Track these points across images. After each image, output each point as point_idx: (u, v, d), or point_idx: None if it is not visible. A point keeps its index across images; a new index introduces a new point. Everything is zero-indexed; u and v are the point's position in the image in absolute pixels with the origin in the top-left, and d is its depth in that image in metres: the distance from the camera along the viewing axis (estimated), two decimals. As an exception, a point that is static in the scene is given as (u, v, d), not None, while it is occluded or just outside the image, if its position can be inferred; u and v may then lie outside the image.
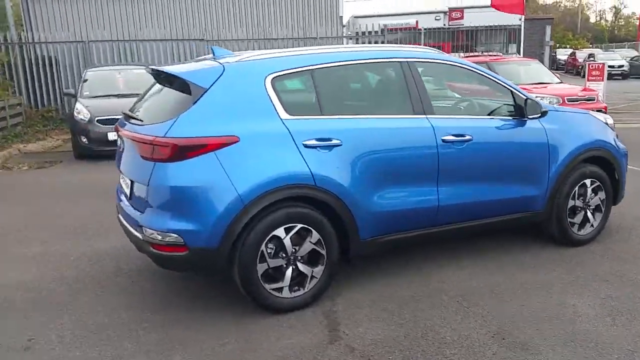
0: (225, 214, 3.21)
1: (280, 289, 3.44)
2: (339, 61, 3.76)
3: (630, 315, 3.39)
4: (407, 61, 3.94)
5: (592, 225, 4.60)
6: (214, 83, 3.33)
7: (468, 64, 4.32)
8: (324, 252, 3.51)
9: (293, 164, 3.38)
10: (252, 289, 3.37)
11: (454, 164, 3.92)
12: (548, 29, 14.54)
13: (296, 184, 3.38)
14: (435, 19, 26.01)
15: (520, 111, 4.21)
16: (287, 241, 3.40)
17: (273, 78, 3.48)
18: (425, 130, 3.84)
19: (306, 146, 3.42)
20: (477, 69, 4.28)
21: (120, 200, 3.88)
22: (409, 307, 3.55)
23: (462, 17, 28.50)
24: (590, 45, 43.08)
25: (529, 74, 10.50)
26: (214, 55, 3.82)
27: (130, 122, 3.67)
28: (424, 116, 3.87)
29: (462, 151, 3.92)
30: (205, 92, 3.30)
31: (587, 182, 4.51)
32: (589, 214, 4.58)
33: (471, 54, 14.38)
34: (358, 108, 3.88)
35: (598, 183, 4.56)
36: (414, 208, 3.83)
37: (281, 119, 3.42)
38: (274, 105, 3.43)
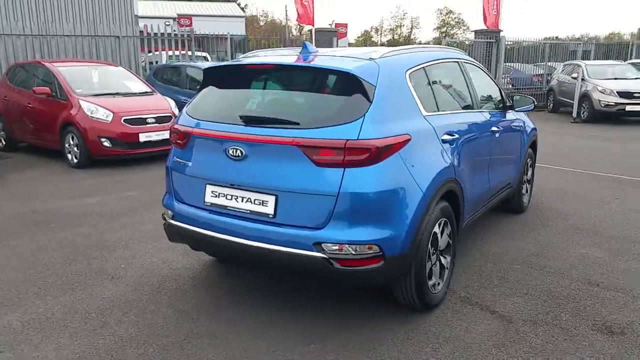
0: (416, 215, 3.10)
1: (434, 285, 3.45)
2: (437, 59, 3.95)
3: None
4: (461, 60, 4.34)
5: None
6: (378, 80, 3.12)
7: (479, 64, 4.92)
8: (452, 242, 3.65)
9: (445, 159, 3.48)
10: (422, 290, 3.31)
11: (494, 151, 4.51)
12: (335, 40, 16.33)
13: (450, 178, 3.49)
14: (165, 24, 25.96)
15: (506, 104, 5.03)
16: (440, 236, 3.44)
17: (410, 74, 3.45)
18: (485, 122, 4.33)
19: (443, 141, 3.51)
20: (483, 68, 4.93)
21: (220, 216, 3.23)
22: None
23: (190, 25, 29.04)
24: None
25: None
26: (306, 49, 3.51)
27: (261, 126, 3.10)
28: (479, 110, 4.34)
29: (497, 139, 4.54)
30: (376, 89, 3.07)
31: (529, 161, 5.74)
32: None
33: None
34: (453, 104, 4.09)
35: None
36: (481, 192, 4.27)
37: (423, 115, 3.43)
38: (416, 101, 3.42)
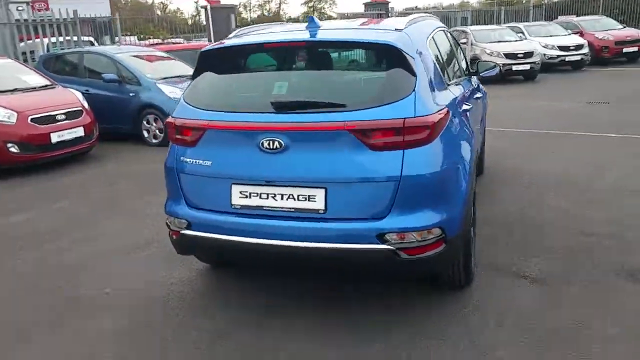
0: (467, 190, 2.98)
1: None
2: (435, 28, 3.80)
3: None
4: (445, 29, 4.26)
5: None
6: (414, 52, 2.91)
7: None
8: (474, 211, 3.60)
9: (469, 130, 3.40)
10: (469, 266, 3.24)
11: (477, 117, 4.51)
12: (232, 17, 15.41)
13: (475, 149, 3.38)
14: (18, 10, 23.36)
15: (470, 70, 5.05)
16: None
17: (428, 44, 3.28)
18: (472, 90, 4.31)
19: (463, 111, 3.42)
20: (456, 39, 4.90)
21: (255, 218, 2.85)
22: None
23: (47, 9, 26.33)
24: (170, 36, 45.58)
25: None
26: (314, 23, 3.18)
27: (300, 112, 2.74)
28: (467, 78, 4.32)
29: (477, 105, 4.56)
30: (415, 61, 2.85)
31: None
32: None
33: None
34: (454, 73, 3.96)
35: None
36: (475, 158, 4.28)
37: (447, 85, 3.28)
38: (440, 72, 3.25)
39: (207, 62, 3.21)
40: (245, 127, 2.82)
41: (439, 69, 3.25)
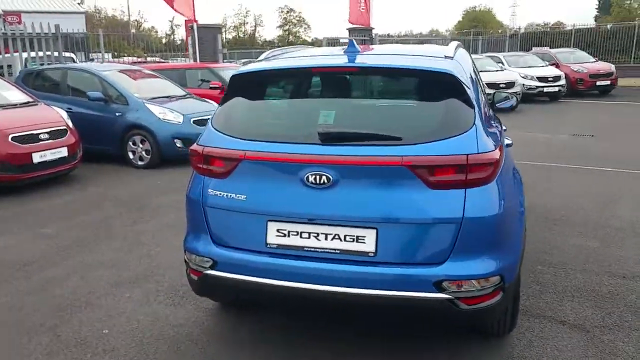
0: (523, 236, 2.77)
1: None
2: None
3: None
4: None
5: None
6: (468, 82, 2.72)
7: None
8: None
9: (513, 165, 3.21)
10: (515, 316, 3.02)
11: None
12: (219, 37, 15.11)
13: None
14: None
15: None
16: None
17: (474, 72, 3.11)
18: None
19: (506, 145, 3.25)
20: None
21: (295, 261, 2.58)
22: None
23: (20, 22, 25.78)
24: (145, 54, 45.17)
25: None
26: (354, 47, 2.97)
27: (350, 145, 2.50)
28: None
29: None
30: (470, 91, 2.66)
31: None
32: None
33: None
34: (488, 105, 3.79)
35: None
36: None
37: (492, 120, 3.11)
38: (485, 103, 3.07)
39: (240, 86, 2.96)
40: (288, 159, 2.56)
41: (485, 101, 3.07)
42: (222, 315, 3.51)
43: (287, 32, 68.63)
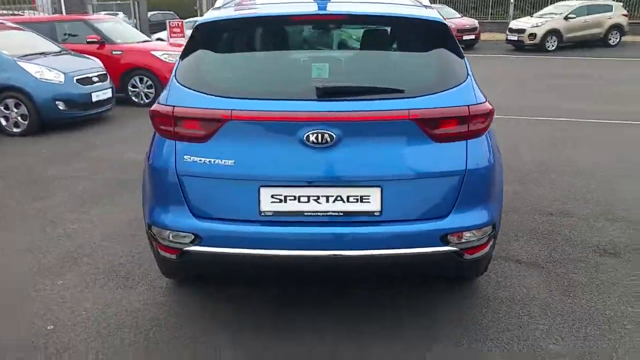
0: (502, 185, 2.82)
1: None
2: None
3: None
4: None
5: None
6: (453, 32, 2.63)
7: None
8: None
9: None
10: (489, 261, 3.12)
11: None
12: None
13: None
14: None
15: None
16: None
17: None
18: None
19: None
20: None
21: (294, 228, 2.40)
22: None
23: None
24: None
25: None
26: None
27: (352, 99, 2.31)
28: None
29: None
30: (456, 42, 2.59)
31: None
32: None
33: None
34: None
35: None
36: None
37: None
38: None
39: (211, 36, 2.59)
40: (285, 117, 2.30)
41: None
42: (182, 294, 3.19)
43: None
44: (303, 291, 3.13)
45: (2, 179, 5.46)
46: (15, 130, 7.23)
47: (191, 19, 15.94)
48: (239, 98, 2.36)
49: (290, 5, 2.71)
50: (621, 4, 19.30)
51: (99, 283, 3.32)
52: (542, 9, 20.90)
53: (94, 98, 7.62)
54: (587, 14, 18.22)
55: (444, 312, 2.93)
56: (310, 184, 2.36)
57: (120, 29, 10.42)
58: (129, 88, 9.52)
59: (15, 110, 7.15)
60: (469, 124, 2.37)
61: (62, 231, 4.13)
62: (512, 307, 2.98)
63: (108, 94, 7.97)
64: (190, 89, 2.45)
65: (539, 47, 17.93)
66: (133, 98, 9.58)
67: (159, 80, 9.44)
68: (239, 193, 2.40)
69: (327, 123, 2.28)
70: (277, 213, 2.39)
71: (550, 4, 20.95)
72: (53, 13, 13.58)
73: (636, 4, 21.65)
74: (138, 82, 9.54)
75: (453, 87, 2.40)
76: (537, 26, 18.01)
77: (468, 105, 2.37)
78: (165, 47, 10.29)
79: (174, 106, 2.42)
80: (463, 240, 2.44)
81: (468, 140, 2.40)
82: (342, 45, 2.67)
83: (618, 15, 18.41)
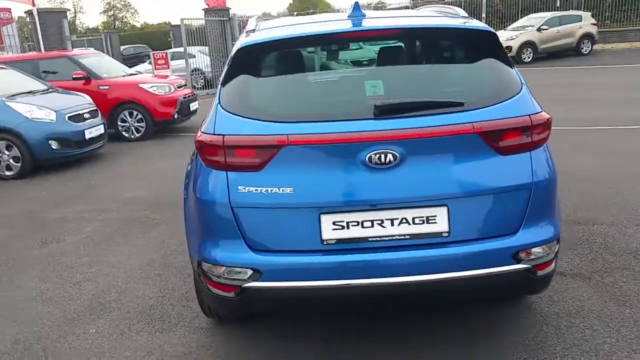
0: None
1: None
2: None
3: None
4: None
5: None
6: None
7: None
8: None
9: None
10: None
11: None
12: (65, 22, 12.85)
13: None
14: None
15: None
16: None
17: None
18: None
19: None
20: None
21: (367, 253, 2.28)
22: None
23: None
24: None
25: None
26: (359, 11, 2.68)
27: (412, 116, 2.23)
28: None
29: None
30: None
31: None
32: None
33: None
34: None
35: None
36: None
37: None
38: None
39: (255, 60, 2.50)
40: (345, 139, 2.20)
41: None
42: (226, 333, 3.03)
43: (112, 18, 63.79)
44: (351, 326, 3.00)
45: (6, 224, 5.23)
46: (7, 173, 6.99)
47: (173, 50, 15.84)
48: (294, 122, 2.27)
49: (331, 24, 2.64)
50: (590, 13, 19.89)
51: (134, 328, 3.14)
52: (511, 22, 21.38)
53: (87, 135, 7.43)
54: (560, 25, 18.70)
55: (505, 333, 2.83)
56: (373, 207, 2.26)
57: (105, 63, 10.28)
58: (119, 123, 9.35)
59: (7, 152, 6.92)
60: (532, 134, 2.31)
61: (81, 276, 3.94)
62: (572, 322, 2.90)
63: (100, 130, 7.79)
64: (239, 115, 2.34)
65: (515, 60, 18.27)
66: (124, 133, 9.40)
67: (149, 113, 9.33)
68: (298, 222, 2.29)
69: (389, 142, 2.19)
70: (340, 241, 2.28)
71: (521, 17, 21.45)
72: (22, 52, 13.38)
73: (602, 14, 22.29)
74: (128, 117, 9.38)
75: (511, 97, 2.35)
76: (512, 39, 18.39)
77: (529, 115, 2.31)
78: (152, 80, 10.18)
79: (223, 135, 2.31)
80: (533, 257, 2.35)
81: (532, 152, 2.33)
82: (388, 61, 2.58)
83: (588, 24, 18.95)
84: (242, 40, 2.55)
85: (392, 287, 2.28)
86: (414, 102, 2.29)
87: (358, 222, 2.27)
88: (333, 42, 2.56)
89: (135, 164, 7.69)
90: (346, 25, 2.58)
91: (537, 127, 2.32)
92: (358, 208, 2.26)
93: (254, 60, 2.51)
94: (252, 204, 2.29)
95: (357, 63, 2.61)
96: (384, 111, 2.23)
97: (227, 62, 2.55)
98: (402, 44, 2.58)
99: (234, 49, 2.55)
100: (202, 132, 2.40)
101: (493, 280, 2.32)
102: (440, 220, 2.27)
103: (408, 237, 2.27)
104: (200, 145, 2.39)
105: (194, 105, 10.05)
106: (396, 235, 2.27)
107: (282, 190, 2.25)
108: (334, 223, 2.27)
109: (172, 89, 9.58)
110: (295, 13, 24.99)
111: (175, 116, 9.51)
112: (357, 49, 2.74)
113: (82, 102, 7.80)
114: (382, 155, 2.19)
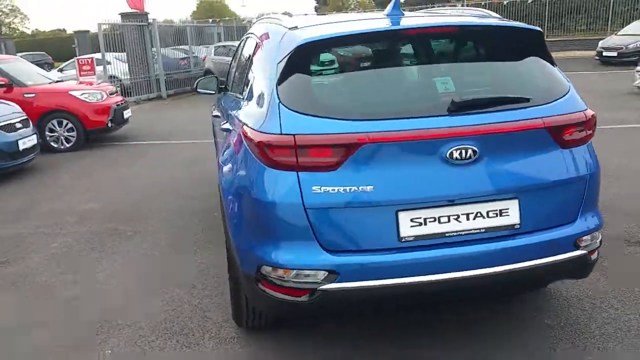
0: None
1: None
2: None
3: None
4: None
5: None
6: None
7: None
8: None
9: None
10: None
11: None
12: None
13: None
14: None
15: None
16: None
17: None
18: None
19: None
20: None
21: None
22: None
23: None
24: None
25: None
26: (398, 9, 2.71)
27: (485, 112, 2.27)
28: None
29: None
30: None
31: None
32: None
33: None
34: None
35: None
36: None
37: None
38: None
39: (316, 56, 2.43)
40: (427, 135, 2.19)
41: None
42: (260, 340, 2.88)
43: (-1, 24, 59.09)
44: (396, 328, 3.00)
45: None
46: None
47: (81, 58, 14.75)
48: (371, 119, 2.22)
49: (384, 21, 2.64)
50: None
51: (156, 345, 2.91)
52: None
53: (21, 146, 6.79)
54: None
55: (538, 319, 2.95)
56: (451, 202, 2.27)
57: (27, 70, 9.46)
58: (47, 133, 8.62)
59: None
60: (585, 129, 2.45)
61: (67, 294, 3.58)
62: (594, 303, 3.07)
63: (34, 140, 7.15)
64: (307, 114, 2.25)
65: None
66: (52, 144, 8.69)
67: (81, 122, 8.73)
68: (375, 220, 2.24)
69: (468, 138, 2.22)
70: (418, 237, 2.26)
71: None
72: None
73: None
74: (57, 126, 8.68)
75: (565, 94, 2.46)
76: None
77: (583, 111, 2.45)
78: (83, 87, 9.47)
79: (294, 134, 2.22)
80: (586, 244, 2.48)
81: (587, 145, 2.47)
82: (449, 58, 2.62)
83: None
84: (298, 37, 2.45)
85: (467, 281, 2.29)
86: (489, 98, 2.35)
87: (435, 218, 2.26)
88: (397, 39, 2.55)
89: (76, 175, 7.13)
90: (409, 22, 2.59)
91: (589, 122, 2.46)
92: (436, 204, 2.25)
93: (317, 56, 2.44)
94: (328, 204, 2.21)
95: (413, 60, 2.62)
96: (461, 107, 2.26)
97: (279, 59, 2.45)
98: (459, 42, 2.62)
99: (288, 45, 2.44)
100: (262, 132, 2.29)
101: (556, 267, 2.41)
102: (512, 213, 2.33)
103: (483, 230, 2.30)
104: (263, 146, 2.27)
105: (127, 113, 9.53)
106: (472, 229, 2.29)
107: (360, 188, 2.20)
108: (411, 220, 2.25)
109: (105, 96, 9.02)
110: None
111: (109, 124, 8.96)
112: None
113: (11, 110, 7.11)
114: (463, 151, 2.21)
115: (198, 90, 4.61)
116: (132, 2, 15.29)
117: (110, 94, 9.26)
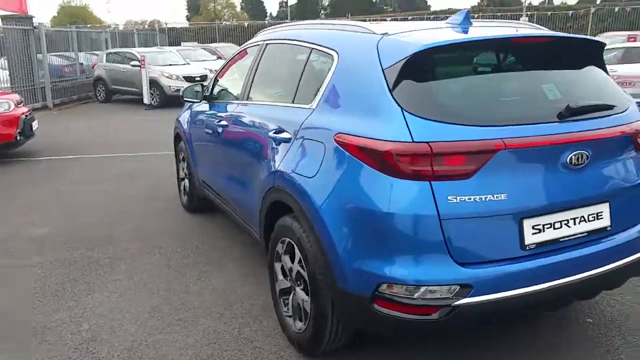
0: None
1: None
2: None
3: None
4: None
5: None
6: None
7: None
8: None
9: None
10: None
11: None
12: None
13: None
14: None
15: None
16: None
17: None
18: None
19: None
20: None
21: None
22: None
23: None
24: None
25: None
26: (468, 20, 2.77)
27: (589, 119, 2.39)
28: None
29: None
30: None
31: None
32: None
33: None
34: None
35: None
36: None
37: None
38: None
39: (435, 63, 2.39)
40: (553, 141, 2.25)
41: None
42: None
43: None
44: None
45: None
46: None
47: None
48: (503, 126, 2.22)
49: (491, 29, 2.75)
50: None
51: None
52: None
53: None
54: None
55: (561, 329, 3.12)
56: (566, 207, 2.34)
57: None
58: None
59: None
60: None
61: (86, 336, 3.08)
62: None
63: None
64: (437, 120, 2.19)
65: None
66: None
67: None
68: (502, 229, 2.23)
69: (585, 143, 2.32)
70: (539, 244, 2.29)
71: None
72: None
73: None
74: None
75: (631, 102, 2.68)
76: None
77: None
78: None
79: (429, 142, 2.14)
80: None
81: None
82: (544, 66, 2.70)
83: None
84: (410, 42, 2.37)
85: (579, 283, 2.37)
86: (594, 105, 2.45)
87: (551, 224, 2.32)
88: (506, 48, 2.57)
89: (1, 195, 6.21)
90: (511, 31, 2.63)
91: None
92: (556, 209, 2.31)
93: (435, 62, 2.38)
94: (462, 214, 2.16)
95: (519, 68, 2.67)
96: (573, 113, 2.34)
97: (387, 65, 2.36)
98: (555, 52, 2.70)
99: (396, 51, 2.36)
100: (389, 141, 2.18)
101: (635, 264, 2.58)
102: (605, 216, 2.46)
103: (586, 233, 2.40)
104: (393, 155, 2.15)
105: (35, 125, 8.49)
106: (577, 233, 2.38)
107: (493, 197, 2.18)
108: (532, 227, 2.27)
109: (12, 106, 7.96)
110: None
111: (18, 138, 7.93)
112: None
113: None
114: (580, 156, 2.30)
115: (185, 99, 4.53)
116: (8, 5, 13.60)
117: (18, 104, 8.19)
